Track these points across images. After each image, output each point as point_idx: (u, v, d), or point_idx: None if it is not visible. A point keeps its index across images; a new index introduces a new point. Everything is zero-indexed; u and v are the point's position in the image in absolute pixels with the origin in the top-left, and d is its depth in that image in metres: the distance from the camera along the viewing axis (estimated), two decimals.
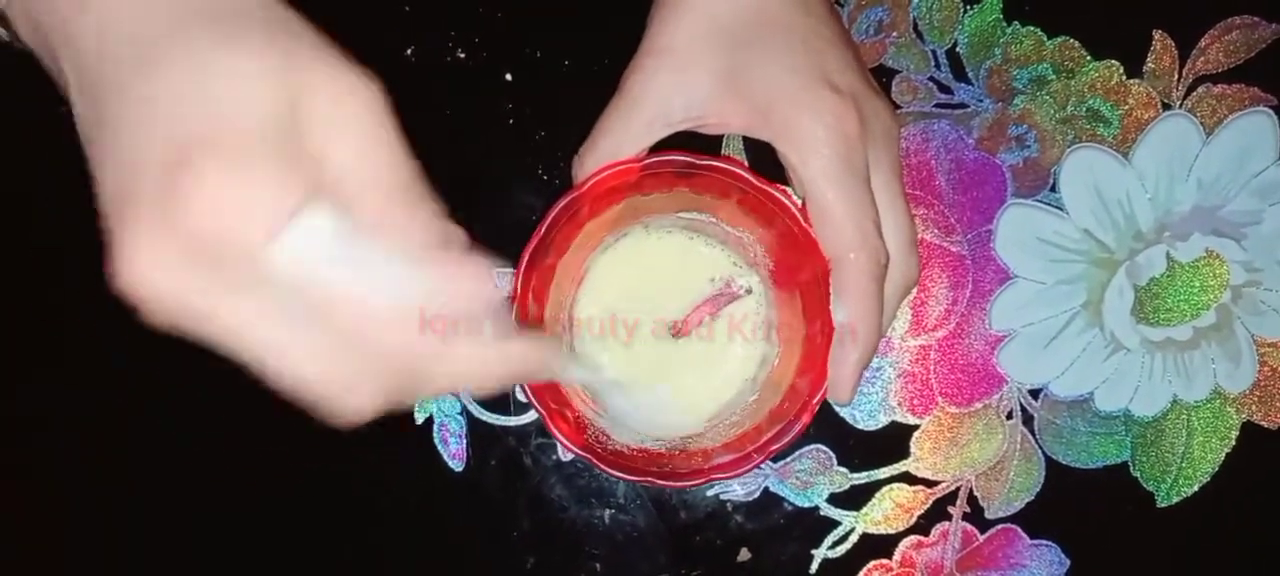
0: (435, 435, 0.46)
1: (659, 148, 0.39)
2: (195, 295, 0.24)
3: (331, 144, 0.25)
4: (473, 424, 0.47)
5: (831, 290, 0.38)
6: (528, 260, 0.38)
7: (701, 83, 0.38)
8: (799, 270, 0.39)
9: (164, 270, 0.23)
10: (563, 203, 0.38)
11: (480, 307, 0.27)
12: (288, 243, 0.24)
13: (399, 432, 0.46)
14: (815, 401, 0.38)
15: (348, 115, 0.26)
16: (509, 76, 0.47)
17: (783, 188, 0.39)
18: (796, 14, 0.38)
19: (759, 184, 0.38)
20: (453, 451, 0.46)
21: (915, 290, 0.47)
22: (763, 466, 0.47)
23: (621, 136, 0.39)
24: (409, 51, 0.47)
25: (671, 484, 0.39)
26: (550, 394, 0.39)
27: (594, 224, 0.40)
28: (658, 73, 0.38)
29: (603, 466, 0.38)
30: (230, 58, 0.24)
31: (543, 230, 0.38)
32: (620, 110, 0.39)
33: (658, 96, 0.38)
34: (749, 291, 0.44)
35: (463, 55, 0.47)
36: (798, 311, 0.40)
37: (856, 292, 0.37)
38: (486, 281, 0.27)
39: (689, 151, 0.38)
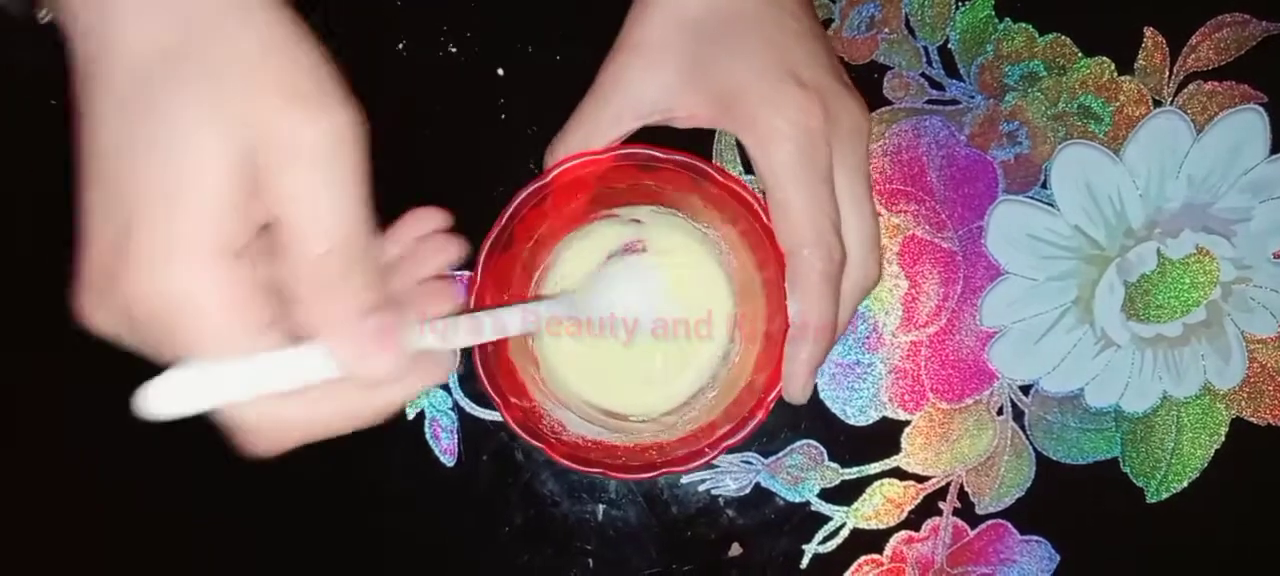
0: (427, 430, 0.47)
1: (635, 141, 0.40)
2: (130, 343, 0.28)
3: (278, 192, 0.27)
4: (464, 419, 0.47)
5: (786, 285, 0.38)
6: (488, 249, 0.38)
7: (669, 76, 0.38)
8: (761, 266, 0.40)
9: (105, 320, 0.28)
10: (526, 192, 0.39)
11: (385, 372, 0.29)
12: (153, 400, 0.27)
13: (390, 428, 0.46)
14: (770, 399, 0.38)
15: (296, 163, 0.27)
16: (501, 71, 0.47)
17: (745, 184, 0.39)
18: (767, 8, 0.38)
19: (722, 179, 0.38)
20: (444, 447, 0.47)
21: (907, 285, 0.47)
22: (753, 461, 0.47)
23: (591, 128, 0.39)
24: (401, 46, 0.47)
25: (623, 476, 0.39)
26: (507, 384, 0.39)
27: (560, 214, 0.41)
28: (628, 67, 0.39)
29: (556, 456, 0.38)
30: (185, 113, 0.26)
31: (504, 219, 0.38)
32: (592, 102, 0.40)
33: (627, 90, 0.39)
34: (645, 248, 0.44)
35: (454, 50, 0.47)
36: (759, 307, 0.40)
37: (807, 288, 0.37)
38: (390, 350, 0.29)
39: (653, 145, 0.39)
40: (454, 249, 0.35)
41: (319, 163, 0.27)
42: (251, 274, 0.27)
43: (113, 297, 0.27)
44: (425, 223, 0.35)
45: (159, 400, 0.27)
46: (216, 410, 0.29)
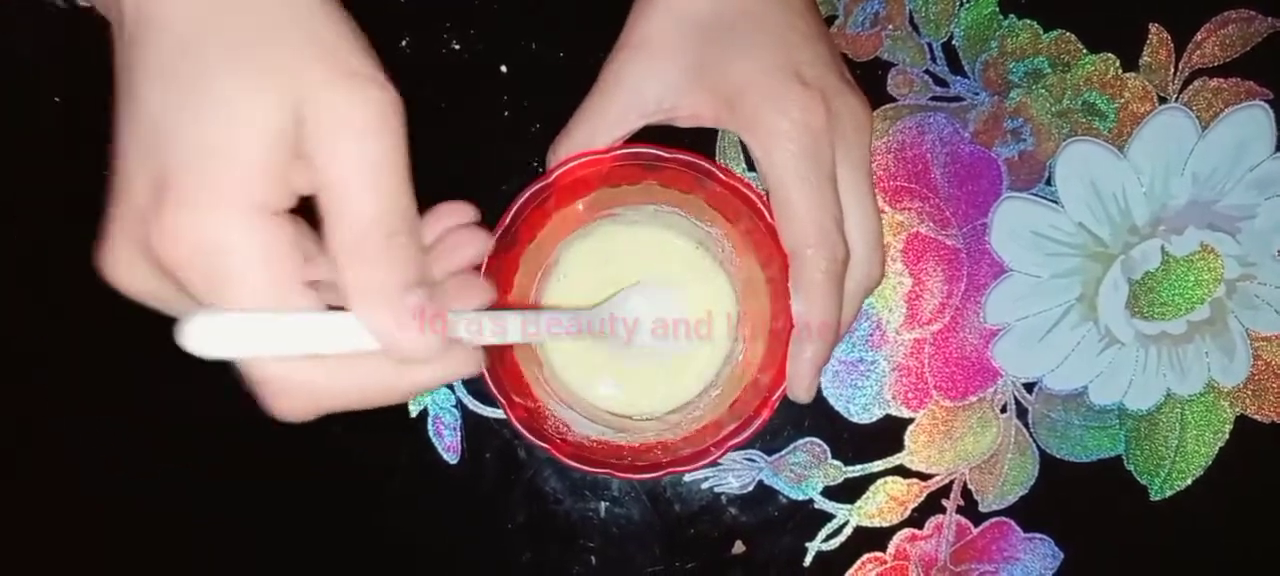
0: (430, 427, 0.46)
1: (636, 139, 0.39)
2: (156, 298, 0.28)
3: (327, 161, 0.27)
4: (467, 416, 0.46)
5: (789, 284, 0.38)
6: (492, 248, 0.38)
7: (672, 74, 0.38)
8: (765, 265, 0.39)
9: (134, 273, 0.28)
10: (530, 191, 0.38)
11: (423, 351, 0.29)
12: (190, 334, 0.26)
13: (394, 425, 0.46)
14: (775, 398, 0.38)
15: (345, 134, 0.27)
16: (504, 69, 0.47)
17: (748, 183, 0.39)
18: (771, 7, 0.38)
19: (725, 178, 0.38)
20: (447, 443, 0.46)
21: (911, 282, 0.47)
22: (757, 459, 0.47)
23: (595, 126, 0.39)
24: (404, 43, 0.47)
25: (628, 476, 0.39)
26: (511, 383, 0.39)
27: (563, 213, 0.40)
28: (631, 64, 0.39)
29: (560, 456, 0.38)
30: (234, 77, 0.27)
31: (508, 218, 0.38)
32: (595, 100, 0.39)
33: (631, 87, 0.39)
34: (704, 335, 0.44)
35: (458, 47, 0.47)
36: (763, 306, 0.40)
37: (811, 287, 0.37)
38: (431, 329, 0.29)
39: (657, 144, 0.38)
40: (481, 243, 0.34)
41: (365, 136, 0.27)
42: (291, 232, 0.27)
43: (144, 243, 0.27)
44: (453, 216, 0.35)
45: (196, 335, 0.26)
46: (245, 363, 0.28)
